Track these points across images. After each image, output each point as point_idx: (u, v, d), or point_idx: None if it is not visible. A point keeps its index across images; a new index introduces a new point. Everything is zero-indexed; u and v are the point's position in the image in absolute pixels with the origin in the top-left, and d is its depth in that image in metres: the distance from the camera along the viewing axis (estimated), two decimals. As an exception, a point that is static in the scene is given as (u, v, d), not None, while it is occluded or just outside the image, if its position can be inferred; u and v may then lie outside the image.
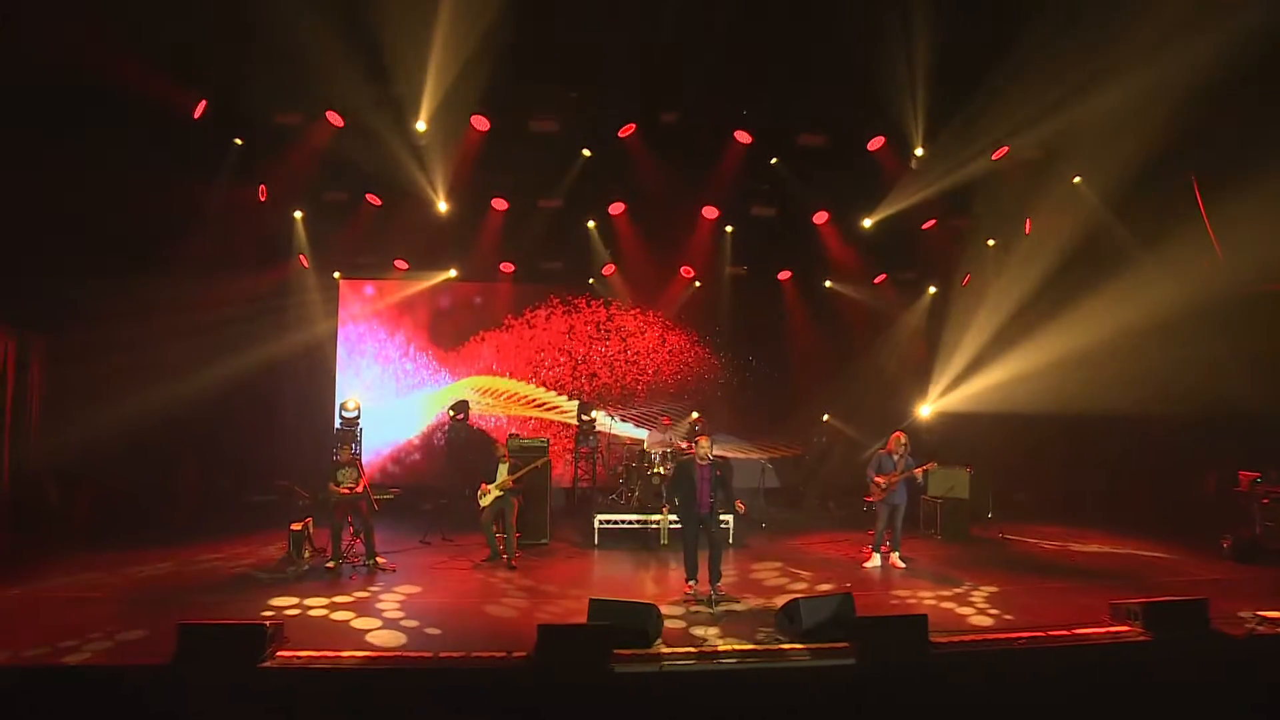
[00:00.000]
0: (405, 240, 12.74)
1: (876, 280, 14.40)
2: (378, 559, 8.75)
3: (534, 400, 14.68)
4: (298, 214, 12.52)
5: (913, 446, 9.31)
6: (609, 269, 13.96)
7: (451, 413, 13.09)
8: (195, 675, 5.07)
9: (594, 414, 13.63)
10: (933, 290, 14.48)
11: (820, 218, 12.79)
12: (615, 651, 5.48)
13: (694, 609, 7.31)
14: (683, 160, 10.83)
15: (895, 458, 9.09)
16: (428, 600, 7.62)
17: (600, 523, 10.28)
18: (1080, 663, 5.99)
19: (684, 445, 11.37)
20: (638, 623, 6.13)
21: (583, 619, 6.11)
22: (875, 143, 10.84)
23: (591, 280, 14.36)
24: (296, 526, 8.68)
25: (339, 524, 8.61)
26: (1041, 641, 6.20)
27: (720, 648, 6.12)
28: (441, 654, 5.77)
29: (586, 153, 10.93)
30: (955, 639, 6.25)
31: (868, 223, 12.56)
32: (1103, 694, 5.69)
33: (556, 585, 8.20)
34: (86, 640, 6.11)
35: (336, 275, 13.98)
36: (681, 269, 14.10)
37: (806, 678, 5.75)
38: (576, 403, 14.07)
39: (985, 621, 7.01)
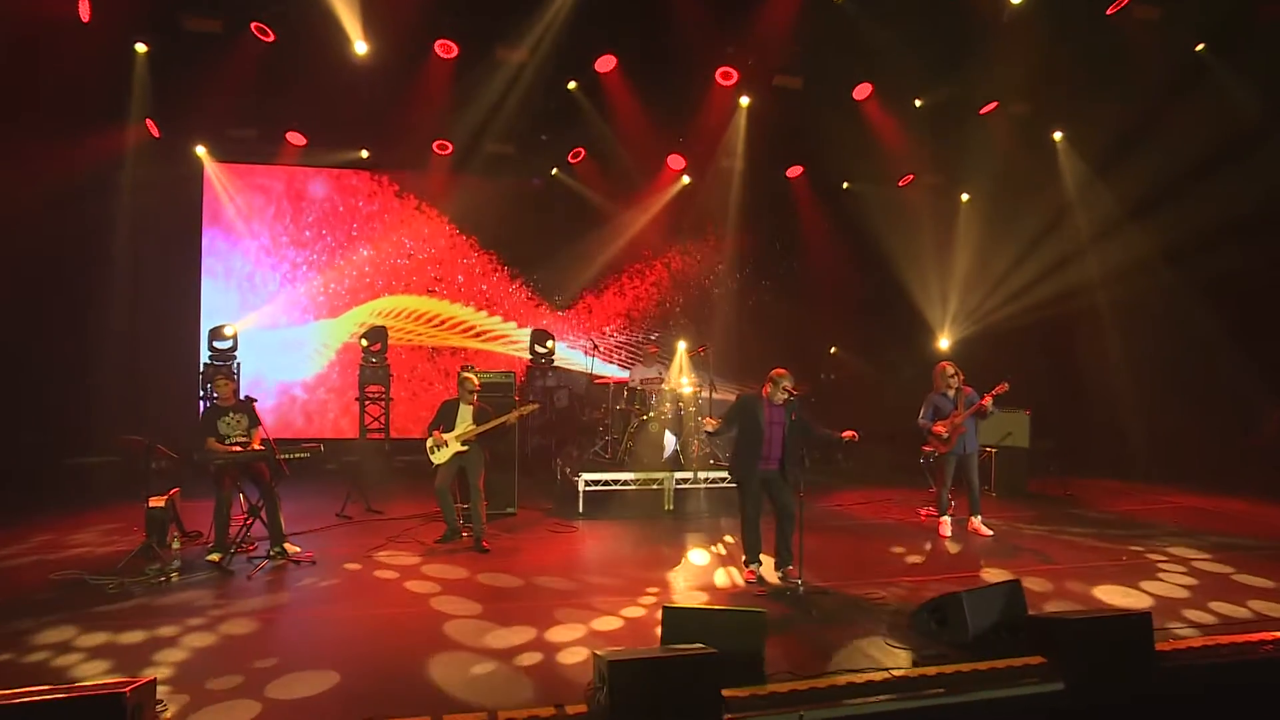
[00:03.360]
0: (303, 102, 10.62)
1: (902, 183, 13.31)
2: (287, 546, 6.85)
3: (473, 328, 13.07)
4: (140, 47, 9.84)
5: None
6: (577, 154, 12.30)
7: (364, 343, 11.80)
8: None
9: (551, 344, 11.99)
10: (966, 198, 13.50)
11: (863, 91, 11.21)
12: (723, 694, 3.93)
13: (785, 611, 5.57)
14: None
15: (950, 393, 7.94)
16: (382, 611, 5.55)
17: (586, 485, 8.95)
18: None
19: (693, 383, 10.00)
20: (747, 644, 4.40)
21: (639, 638, 4.89)
22: None
23: (556, 170, 12.69)
24: (157, 502, 6.84)
25: (226, 497, 6.74)
26: (1292, 647, 5.05)
27: (873, 676, 4.36)
28: (447, 718, 3.72)
29: None
30: (1183, 645, 5.02)
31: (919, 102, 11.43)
32: None
33: (560, 580, 6.34)
34: None
35: (201, 151, 11.81)
36: (669, 158, 12.64)
37: (1002, 716, 4.30)
38: (529, 330, 12.75)
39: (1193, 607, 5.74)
